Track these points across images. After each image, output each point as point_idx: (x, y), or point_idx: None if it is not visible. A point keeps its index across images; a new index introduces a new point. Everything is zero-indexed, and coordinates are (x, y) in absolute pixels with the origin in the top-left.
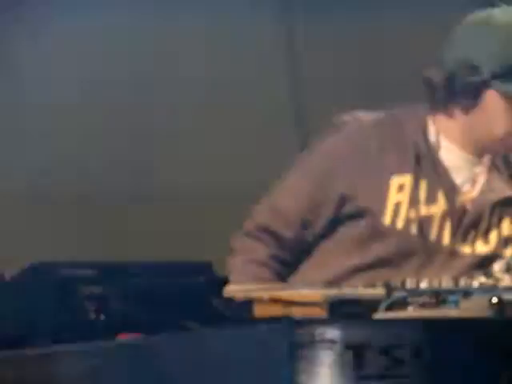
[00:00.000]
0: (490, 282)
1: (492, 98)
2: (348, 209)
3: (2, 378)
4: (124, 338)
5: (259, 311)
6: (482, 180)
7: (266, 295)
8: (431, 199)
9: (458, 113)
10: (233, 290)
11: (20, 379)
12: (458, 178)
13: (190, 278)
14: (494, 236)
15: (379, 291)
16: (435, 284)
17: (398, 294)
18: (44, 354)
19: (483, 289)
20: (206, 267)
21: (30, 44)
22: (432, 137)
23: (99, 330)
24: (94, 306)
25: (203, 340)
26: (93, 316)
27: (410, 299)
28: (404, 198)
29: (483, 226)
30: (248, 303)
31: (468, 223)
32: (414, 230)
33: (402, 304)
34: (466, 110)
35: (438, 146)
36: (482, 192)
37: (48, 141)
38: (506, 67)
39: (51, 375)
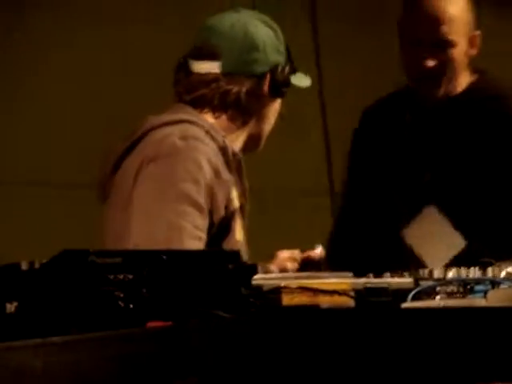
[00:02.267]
0: None
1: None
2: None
3: (32, 365)
4: (153, 325)
5: (287, 300)
6: None
7: (293, 284)
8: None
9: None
10: (261, 278)
11: (48, 367)
12: None
13: (218, 265)
14: None
15: (407, 280)
16: (463, 273)
17: (425, 284)
18: (72, 340)
19: (510, 279)
20: (235, 255)
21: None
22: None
23: (129, 317)
24: (124, 294)
25: (232, 327)
26: (122, 303)
27: (437, 288)
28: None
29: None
30: (276, 292)
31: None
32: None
33: (429, 293)
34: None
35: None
36: None
37: None
38: (287, 64)
39: (79, 363)
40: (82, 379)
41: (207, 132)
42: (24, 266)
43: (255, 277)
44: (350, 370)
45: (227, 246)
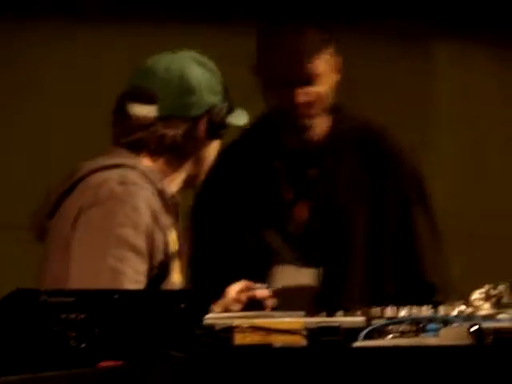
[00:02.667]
0: (469, 310)
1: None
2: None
3: None
4: (105, 365)
5: (239, 339)
6: None
7: (246, 323)
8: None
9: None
10: (213, 317)
11: None
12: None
13: (170, 305)
14: None
15: (359, 319)
16: (414, 312)
17: (377, 323)
18: (26, 380)
19: (462, 317)
20: (187, 295)
21: None
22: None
23: (81, 356)
24: (76, 333)
25: (184, 367)
26: (73, 343)
27: (389, 327)
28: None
29: None
30: (228, 331)
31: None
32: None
33: (381, 332)
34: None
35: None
36: None
37: None
38: (226, 104)
39: None
40: None
41: (145, 176)
42: None
43: (207, 316)
44: None
45: (167, 287)
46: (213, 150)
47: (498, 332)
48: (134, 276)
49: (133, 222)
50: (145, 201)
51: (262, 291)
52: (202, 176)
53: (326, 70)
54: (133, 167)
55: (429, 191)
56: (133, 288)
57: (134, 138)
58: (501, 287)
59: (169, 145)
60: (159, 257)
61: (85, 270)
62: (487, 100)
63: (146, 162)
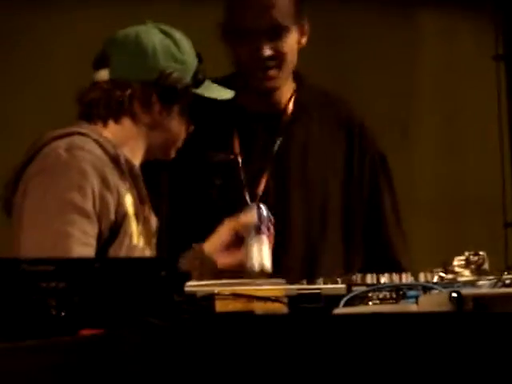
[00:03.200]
0: (449, 276)
1: (177, 106)
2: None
3: None
4: (86, 333)
5: (220, 307)
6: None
7: (227, 291)
8: (142, 209)
9: (138, 123)
10: (194, 285)
11: None
12: None
13: (151, 273)
14: None
15: (340, 286)
16: (395, 279)
17: (358, 289)
18: (4, 349)
19: (442, 284)
20: (168, 262)
21: None
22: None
23: (61, 325)
24: (56, 301)
25: (165, 334)
26: (54, 311)
27: (370, 294)
28: (132, 215)
29: None
30: (209, 298)
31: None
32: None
33: (362, 299)
34: (163, 119)
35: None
36: None
37: None
38: (193, 76)
39: (11, 371)
40: None
41: (97, 142)
42: None
43: (188, 284)
44: (283, 375)
45: (120, 250)
46: (175, 119)
47: (478, 298)
48: (82, 238)
49: (79, 185)
50: (92, 164)
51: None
52: (171, 146)
53: (293, 29)
54: (85, 134)
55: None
56: (81, 250)
57: (85, 102)
58: (481, 254)
59: (116, 106)
60: (110, 218)
61: (33, 236)
62: (469, 69)
63: (100, 130)
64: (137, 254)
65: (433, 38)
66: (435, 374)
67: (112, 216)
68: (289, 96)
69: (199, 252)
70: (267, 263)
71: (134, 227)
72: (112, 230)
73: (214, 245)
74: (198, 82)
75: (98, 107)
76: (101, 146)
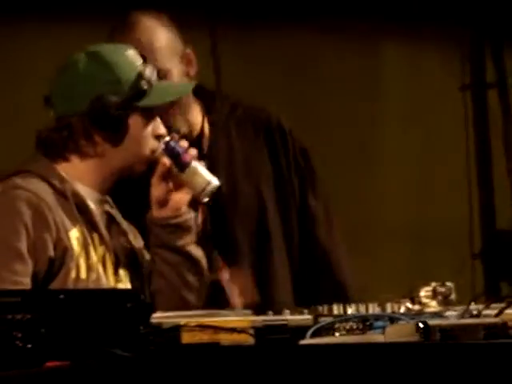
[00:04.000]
0: (416, 307)
1: (136, 122)
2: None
3: None
4: (52, 365)
5: (187, 338)
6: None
7: (193, 322)
8: (98, 244)
9: (92, 153)
10: (160, 316)
11: None
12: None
13: (117, 304)
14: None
15: (306, 317)
16: (362, 310)
17: (324, 320)
18: None
19: (409, 314)
20: (134, 294)
21: None
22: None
23: (27, 357)
24: (22, 333)
25: (131, 366)
26: (20, 343)
27: (337, 325)
28: (80, 249)
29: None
30: (176, 330)
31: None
32: (99, 270)
33: (328, 330)
34: (118, 142)
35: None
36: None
37: None
38: (135, 90)
39: None
40: None
41: (42, 178)
42: None
43: (154, 315)
44: None
45: (65, 284)
46: (132, 137)
47: (445, 329)
48: (10, 278)
49: (10, 224)
50: (26, 202)
51: None
52: (136, 163)
53: (175, 67)
54: (29, 171)
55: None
56: (11, 288)
57: (40, 140)
58: (448, 284)
59: (61, 145)
60: (47, 254)
61: None
62: (436, 98)
63: (56, 166)
64: (82, 287)
65: (399, 66)
66: None
67: (50, 252)
68: (200, 118)
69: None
70: (214, 178)
71: (81, 261)
72: (52, 265)
73: (153, 206)
74: (139, 93)
75: (47, 147)
76: (47, 181)
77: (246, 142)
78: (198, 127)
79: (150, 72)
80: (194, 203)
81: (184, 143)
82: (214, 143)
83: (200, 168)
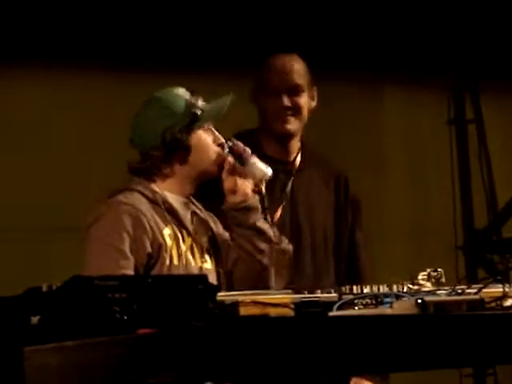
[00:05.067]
0: (416, 287)
1: (197, 139)
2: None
3: (49, 363)
4: (142, 332)
5: (243, 311)
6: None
7: (248, 299)
8: (184, 237)
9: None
10: (223, 295)
11: (63, 364)
12: (183, 214)
13: (190, 286)
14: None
15: (333, 295)
16: (375, 290)
17: (346, 297)
18: (81, 344)
19: (410, 293)
20: (202, 278)
21: None
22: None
23: (124, 326)
24: (120, 308)
25: (202, 333)
26: (118, 316)
27: (356, 301)
28: (173, 242)
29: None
30: (235, 305)
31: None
32: (188, 257)
33: (350, 305)
34: (185, 160)
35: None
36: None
37: None
38: (191, 113)
39: (87, 361)
40: (88, 373)
41: (141, 193)
42: (44, 288)
43: (219, 294)
44: (292, 363)
45: (162, 270)
46: (197, 152)
47: (437, 304)
48: (118, 271)
49: (116, 231)
50: (127, 212)
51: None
52: (206, 172)
53: (306, 90)
54: (129, 188)
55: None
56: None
57: (130, 169)
58: (439, 270)
59: (146, 172)
60: (146, 251)
61: (89, 266)
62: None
63: (150, 183)
64: (176, 271)
65: (398, 106)
66: (405, 358)
67: (148, 249)
68: (297, 150)
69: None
70: (269, 168)
71: (173, 251)
72: (150, 258)
73: (226, 195)
74: (194, 117)
75: (138, 174)
76: (142, 193)
77: (321, 180)
78: (293, 156)
79: (195, 100)
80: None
81: (241, 144)
82: (301, 171)
83: (257, 161)
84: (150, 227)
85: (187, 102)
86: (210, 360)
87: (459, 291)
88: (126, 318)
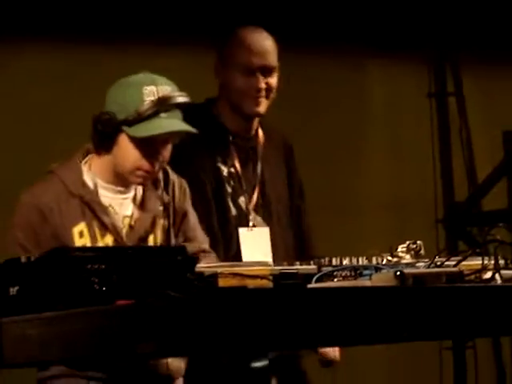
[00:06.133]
0: (395, 259)
1: (123, 140)
2: None
3: (29, 334)
4: (121, 303)
5: (222, 283)
6: (132, 204)
7: (227, 271)
8: (103, 233)
9: (104, 154)
10: (202, 266)
11: (42, 335)
12: (117, 206)
13: (169, 258)
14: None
15: (312, 267)
16: (354, 262)
17: (326, 269)
18: (60, 315)
19: (389, 265)
20: (181, 249)
21: None
22: (89, 182)
23: (102, 297)
24: (98, 279)
25: (180, 304)
26: (97, 287)
27: (335, 273)
28: (86, 240)
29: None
30: (214, 276)
31: (136, 239)
32: None
33: (329, 276)
34: (108, 150)
35: (96, 189)
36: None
37: None
38: (132, 115)
39: (65, 331)
40: (66, 344)
41: (59, 178)
42: (23, 259)
43: (197, 266)
44: (270, 335)
45: None
46: (121, 150)
47: (416, 276)
48: None
49: (20, 223)
50: (33, 206)
51: None
52: (123, 174)
53: (277, 70)
54: (55, 172)
55: None
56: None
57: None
58: (418, 242)
59: (91, 149)
60: (50, 245)
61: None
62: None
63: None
64: None
65: (380, 80)
66: (384, 330)
67: (51, 245)
68: (257, 125)
69: None
70: None
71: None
72: None
73: None
74: (125, 120)
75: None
76: (64, 183)
77: (276, 153)
78: (254, 131)
79: (150, 105)
80: None
81: None
82: (266, 149)
83: None
84: (55, 223)
85: (139, 101)
86: (188, 331)
87: (438, 264)
88: (104, 288)
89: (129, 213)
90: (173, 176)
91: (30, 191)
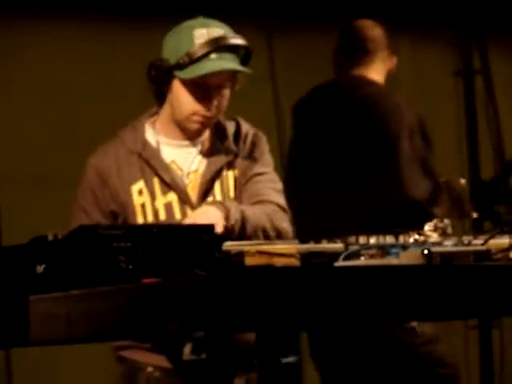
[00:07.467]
0: (422, 238)
1: (176, 85)
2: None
3: (57, 312)
4: (147, 281)
5: (249, 261)
6: (199, 157)
7: (254, 249)
8: (166, 190)
9: (164, 105)
10: (229, 245)
11: (69, 313)
12: (181, 162)
13: (197, 236)
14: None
15: (339, 245)
16: (381, 240)
17: (353, 248)
18: (87, 293)
19: (417, 244)
20: (209, 228)
21: None
22: (152, 140)
23: (129, 275)
24: (125, 258)
25: (207, 282)
26: (123, 265)
27: (362, 251)
28: (145, 198)
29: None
30: (240, 255)
31: (201, 193)
32: (162, 216)
33: (356, 255)
34: (164, 99)
35: (158, 146)
36: (206, 166)
37: None
38: (182, 59)
39: (93, 310)
40: (92, 323)
41: (121, 139)
42: (50, 237)
43: (224, 244)
44: (297, 313)
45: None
46: (177, 96)
47: (444, 254)
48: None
49: (82, 187)
50: (94, 168)
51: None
52: (180, 121)
53: None
54: (118, 134)
55: None
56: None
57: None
58: (446, 221)
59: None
60: (109, 208)
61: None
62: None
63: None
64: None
65: (404, 59)
66: (410, 309)
67: (111, 207)
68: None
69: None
70: None
71: (147, 208)
72: (116, 216)
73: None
74: (181, 65)
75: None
76: (124, 143)
77: None
78: None
79: (203, 47)
80: None
81: None
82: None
83: None
84: (113, 184)
85: (190, 43)
86: (214, 310)
87: (465, 242)
88: (130, 267)
89: (194, 167)
90: (246, 128)
91: (94, 154)
